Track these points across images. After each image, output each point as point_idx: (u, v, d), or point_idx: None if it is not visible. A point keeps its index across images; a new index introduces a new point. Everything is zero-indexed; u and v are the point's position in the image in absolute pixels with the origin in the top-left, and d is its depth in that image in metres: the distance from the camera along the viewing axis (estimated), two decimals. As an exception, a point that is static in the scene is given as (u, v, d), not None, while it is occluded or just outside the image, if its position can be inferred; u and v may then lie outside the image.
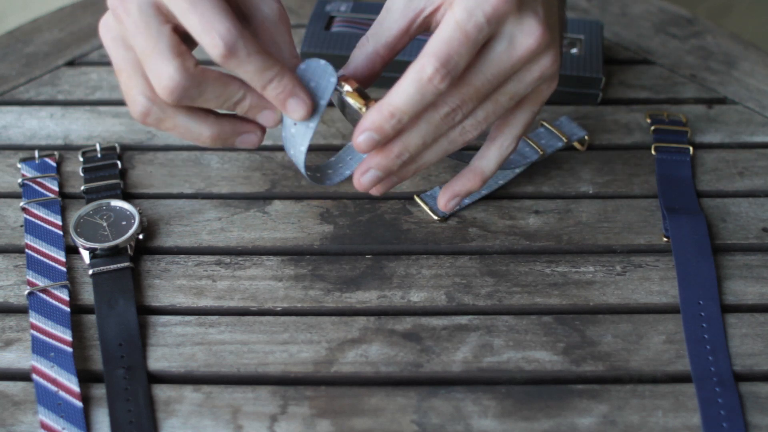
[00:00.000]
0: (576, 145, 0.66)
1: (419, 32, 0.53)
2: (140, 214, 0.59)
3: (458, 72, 0.48)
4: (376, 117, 0.49)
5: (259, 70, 0.49)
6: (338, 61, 0.71)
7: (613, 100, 0.72)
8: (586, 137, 0.66)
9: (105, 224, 0.59)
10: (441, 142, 0.53)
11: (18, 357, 0.53)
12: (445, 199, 0.58)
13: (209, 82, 0.50)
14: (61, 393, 0.51)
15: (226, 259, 0.59)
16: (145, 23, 0.48)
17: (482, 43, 0.49)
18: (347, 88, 0.52)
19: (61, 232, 0.60)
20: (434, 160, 0.53)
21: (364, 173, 0.53)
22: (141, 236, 0.59)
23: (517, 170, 0.64)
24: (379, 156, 0.52)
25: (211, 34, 0.48)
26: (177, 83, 0.49)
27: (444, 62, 0.48)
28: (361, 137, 0.50)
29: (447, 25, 0.48)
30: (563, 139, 0.65)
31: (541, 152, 0.63)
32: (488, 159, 0.55)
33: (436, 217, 0.61)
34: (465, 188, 0.57)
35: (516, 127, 0.54)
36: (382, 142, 0.51)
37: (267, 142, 0.67)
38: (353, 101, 0.52)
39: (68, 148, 0.67)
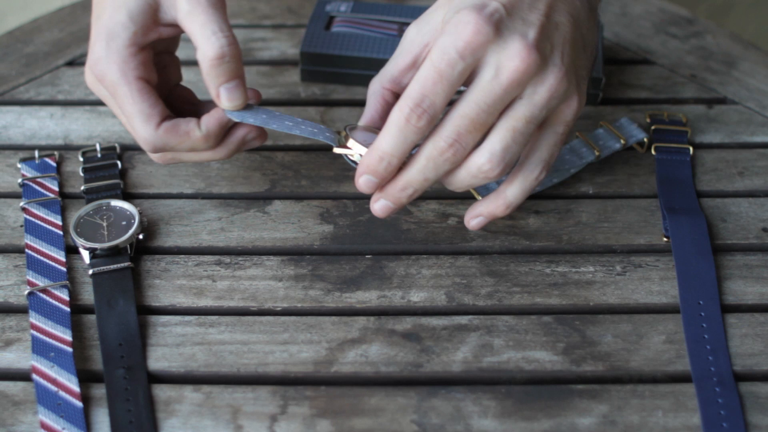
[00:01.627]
0: (635, 146, 0.66)
1: None
2: (140, 214, 0.59)
3: (436, 109, 0.50)
4: (368, 161, 0.52)
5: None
6: (338, 61, 0.71)
7: (613, 100, 0.72)
8: (645, 139, 0.65)
9: (105, 224, 0.59)
10: (459, 174, 0.52)
11: (18, 357, 0.53)
12: (469, 216, 0.57)
13: (172, 138, 0.55)
14: (61, 393, 0.51)
15: (226, 259, 0.59)
16: (117, 88, 0.54)
17: (463, 77, 0.50)
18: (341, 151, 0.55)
19: (61, 232, 0.60)
20: (459, 189, 0.54)
21: (376, 201, 0.54)
22: (141, 236, 0.59)
23: (573, 170, 0.64)
24: (388, 188, 0.53)
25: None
26: (151, 143, 0.55)
27: (418, 102, 0.49)
28: (360, 180, 0.53)
29: (423, 65, 0.50)
30: (621, 140, 0.64)
31: (597, 153, 0.63)
32: (514, 185, 0.54)
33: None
34: (488, 210, 0.56)
35: (542, 152, 0.53)
36: (382, 183, 0.53)
37: (267, 142, 0.67)
38: (344, 151, 0.55)
39: (68, 148, 0.67)
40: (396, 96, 0.55)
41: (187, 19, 0.53)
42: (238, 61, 0.54)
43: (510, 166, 0.52)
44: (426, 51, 0.53)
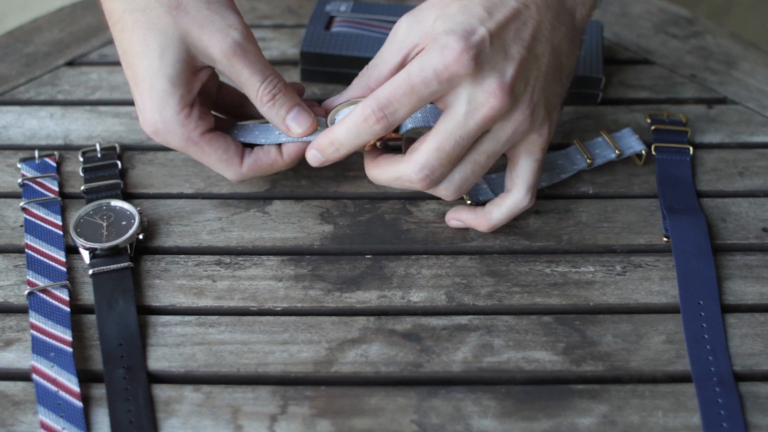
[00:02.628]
0: (634, 158, 0.66)
1: None
2: (140, 214, 0.59)
3: (396, 118, 0.52)
4: (321, 140, 0.55)
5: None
6: (338, 61, 0.71)
7: (613, 100, 0.72)
8: (643, 151, 0.65)
9: (105, 224, 0.59)
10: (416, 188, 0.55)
11: (18, 357, 0.53)
12: (451, 216, 0.60)
13: (258, 172, 0.59)
14: (61, 393, 0.51)
15: (226, 259, 0.59)
16: (188, 150, 0.57)
17: (433, 98, 0.51)
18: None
19: (61, 232, 0.60)
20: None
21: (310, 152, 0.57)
22: (141, 236, 0.59)
23: (563, 176, 0.64)
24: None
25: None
26: (240, 180, 0.59)
27: (382, 106, 0.51)
28: (309, 153, 0.56)
29: (399, 74, 0.51)
30: (616, 151, 0.64)
31: (589, 161, 0.63)
32: (500, 208, 0.58)
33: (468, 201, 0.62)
34: (470, 222, 0.60)
35: (526, 178, 0.56)
36: (327, 163, 0.56)
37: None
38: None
39: (68, 148, 0.67)
40: None
41: (231, 72, 0.55)
42: (289, 91, 0.56)
43: (463, 194, 0.56)
44: (415, 53, 0.54)
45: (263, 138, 0.58)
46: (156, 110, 0.54)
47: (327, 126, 0.56)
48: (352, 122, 0.53)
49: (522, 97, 0.52)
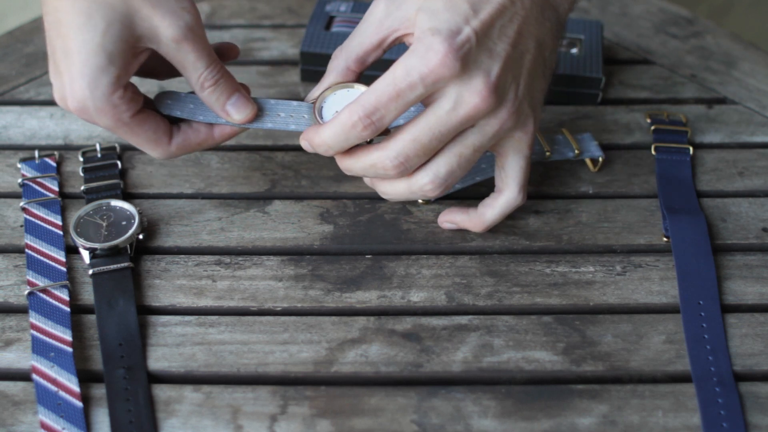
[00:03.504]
0: (587, 162, 0.66)
1: (391, 47, 0.55)
2: (140, 214, 0.59)
3: (383, 123, 0.52)
4: (312, 136, 0.54)
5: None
6: (338, 61, 0.71)
7: (613, 100, 0.72)
8: (600, 159, 0.65)
9: (105, 224, 0.59)
10: (398, 186, 0.55)
11: (18, 357, 0.53)
12: (444, 218, 0.61)
13: (188, 149, 0.57)
14: (61, 393, 0.51)
15: (226, 259, 0.59)
16: (116, 131, 0.54)
17: (419, 100, 0.51)
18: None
19: (61, 232, 0.60)
20: (392, 200, 0.57)
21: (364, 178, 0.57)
22: (141, 236, 0.59)
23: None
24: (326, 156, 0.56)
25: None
26: (168, 158, 0.57)
27: (369, 113, 0.51)
28: (302, 142, 0.55)
29: (384, 78, 0.51)
30: (575, 150, 0.64)
31: (548, 153, 0.63)
32: (493, 209, 0.57)
33: (421, 201, 0.62)
34: (464, 224, 0.59)
35: (516, 177, 0.56)
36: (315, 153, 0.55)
37: (267, 141, 0.67)
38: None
39: (68, 148, 0.67)
40: (357, 74, 0.55)
41: (176, 55, 0.53)
42: (230, 78, 0.55)
43: (449, 188, 0.55)
44: (393, 37, 0.53)
45: (201, 115, 0.56)
46: (87, 87, 0.52)
47: (314, 113, 0.56)
48: (339, 128, 0.52)
49: (507, 95, 0.52)
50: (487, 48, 0.51)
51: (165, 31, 0.52)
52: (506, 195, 0.57)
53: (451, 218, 0.60)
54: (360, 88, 0.55)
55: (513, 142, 0.54)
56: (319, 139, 0.53)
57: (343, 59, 0.55)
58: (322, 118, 0.55)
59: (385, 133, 0.54)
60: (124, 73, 0.52)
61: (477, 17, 0.50)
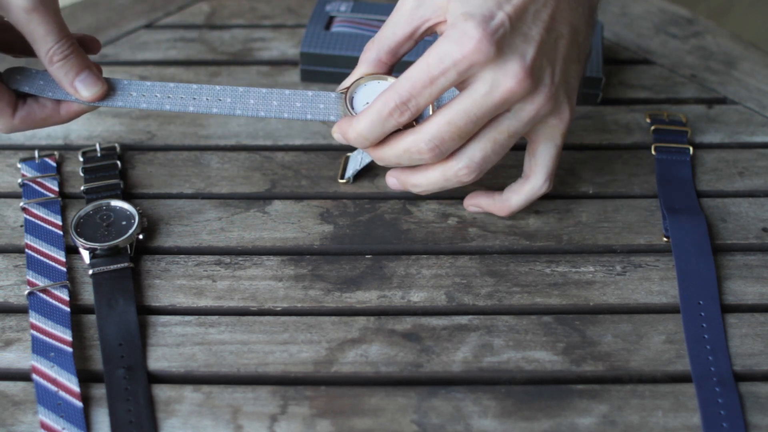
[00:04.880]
0: None
1: (423, 38, 0.54)
2: (140, 214, 0.59)
3: (419, 109, 0.51)
4: (345, 128, 0.54)
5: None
6: (338, 61, 0.71)
7: (613, 100, 0.72)
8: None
9: (105, 224, 0.59)
10: (432, 174, 0.55)
11: (18, 357, 0.53)
12: (469, 202, 0.61)
13: (31, 125, 0.56)
14: (61, 393, 0.51)
15: (226, 259, 0.59)
16: None
17: (453, 85, 0.51)
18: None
19: (61, 232, 0.60)
20: (426, 188, 0.56)
21: (390, 177, 0.57)
22: (141, 236, 0.59)
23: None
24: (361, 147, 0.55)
25: None
26: (10, 132, 0.56)
27: (405, 100, 0.51)
28: (335, 135, 0.55)
29: (418, 64, 0.50)
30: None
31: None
32: (519, 195, 0.58)
33: (342, 180, 0.63)
34: (489, 209, 0.60)
35: (545, 165, 0.56)
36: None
37: (267, 141, 0.67)
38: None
39: (68, 148, 0.67)
40: (390, 66, 0.55)
41: (26, 25, 0.52)
42: (81, 54, 0.55)
43: (483, 173, 0.54)
44: (425, 27, 0.53)
45: (50, 92, 0.56)
46: None
47: (345, 103, 0.55)
48: (376, 117, 0.52)
49: (543, 79, 0.51)
50: (521, 32, 0.50)
51: (16, 0, 0.52)
52: (533, 182, 0.57)
53: (477, 202, 0.60)
54: (392, 80, 0.54)
55: (547, 129, 0.54)
56: (354, 132, 0.53)
57: (375, 51, 0.55)
58: (353, 108, 0.55)
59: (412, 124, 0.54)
60: None
61: (510, 2, 0.50)
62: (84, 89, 0.55)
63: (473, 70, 0.50)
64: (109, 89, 0.56)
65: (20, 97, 0.56)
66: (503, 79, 0.50)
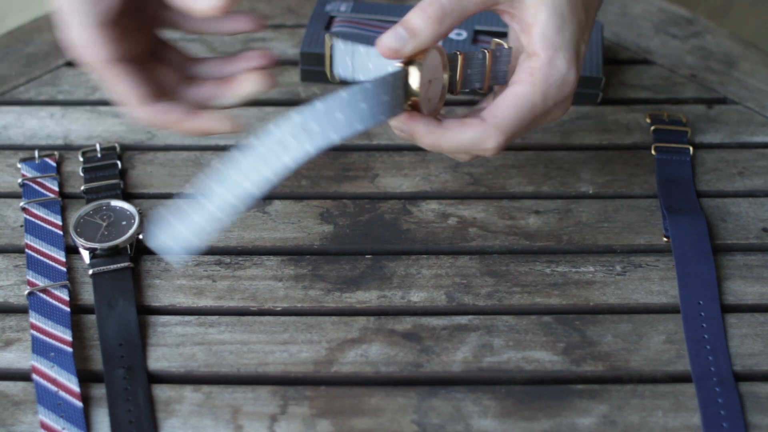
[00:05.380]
0: None
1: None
2: (140, 214, 0.59)
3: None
4: (426, 138, 0.51)
5: None
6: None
7: (613, 100, 0.72)
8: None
9: (105, 224, 0.59)
10: (462, 140, 0.52)
11: (18, 357, 0.53)
12: (399, 126, 0.52)
13: (161, 121, 0.53)
14: (61, 393, 0.51)
15: (226, 259, 0.59)
16: (98, 73, 0.52)
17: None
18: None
19: (61, 232, 0.60)
20: (441, 151, 0.54)
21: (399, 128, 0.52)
22: (141, 236, 0.59)
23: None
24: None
25: None
26: (142, 122, 0.54)
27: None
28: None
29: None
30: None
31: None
32: (460, 135, 0.52)
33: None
34: (415, 136, 0.52)
35: (509, 119, 0.53)
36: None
37: (267, 142, 0.67)
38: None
39: (68, 148, 0.67)
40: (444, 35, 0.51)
41: None
42: None
43: None
44: (494, 7, 0.52)
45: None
46: (68, 25, 0.52)
47: (408, 81, 0.49)
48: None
49: (576, 74, 0.53)
50: (583, 50, 0.53)
51: None
52: (483, 129, 0.51)
53: (411, 128, 0.52)
54: (444, 76, 0.51)
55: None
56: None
57: (448, 22, 0.50)
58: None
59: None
60: (105, 9, 0.51)
61: (587, 28, 0.52)
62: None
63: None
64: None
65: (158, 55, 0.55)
66: (567, 106, 0.53)
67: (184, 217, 0.47)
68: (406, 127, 0.51)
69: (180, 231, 0.47)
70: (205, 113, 0.54)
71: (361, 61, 0.51)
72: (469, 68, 0.53)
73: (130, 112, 0.54)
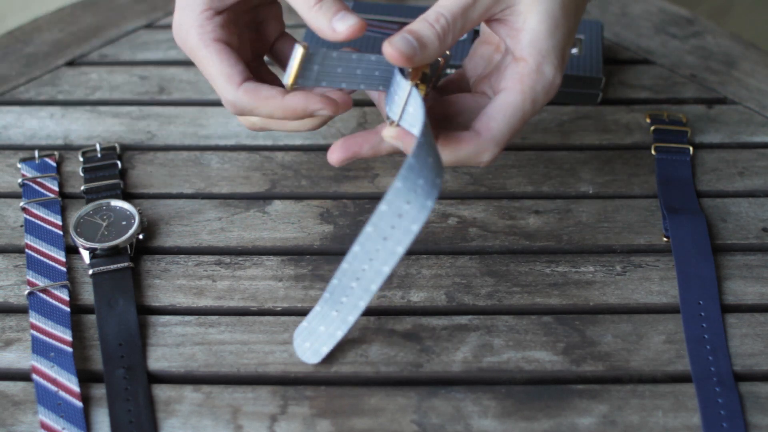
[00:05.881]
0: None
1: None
2: (140, 214, 0.59)
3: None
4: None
5: None
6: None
7: (613, 100, 0.72)
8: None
9: (105, 224, 0.59)
10: (459, 156, 0.53)
11: (18, 357, 0.53)
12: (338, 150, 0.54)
13: (252, 100, 0.53)
14: (61, 393, 0.51)
15: (226, 259, 0.59)
16: (197, 52, 0.54)
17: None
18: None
19: (61, 232, 0.60)
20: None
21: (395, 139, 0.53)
22: (141, 236, 0.59)
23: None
24: None
25: None
26: (232, 104, 0.54)
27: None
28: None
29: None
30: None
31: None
32: (454, 153, 0.52)
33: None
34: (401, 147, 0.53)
35: (503, 126, 0.53)
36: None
37: (267, 141, 0.67)
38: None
39: (68, 148, 0.67)
40: None
41: None
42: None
43: None
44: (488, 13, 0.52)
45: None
46: (182, 5, 0.54)
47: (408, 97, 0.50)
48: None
49: (560, 77, 0.53)
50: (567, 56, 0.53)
51: None
52: (476, 141, 0.52)
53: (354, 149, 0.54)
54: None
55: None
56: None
57: (448, 39, 0.51)
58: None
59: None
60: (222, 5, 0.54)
61: (575, 29, 0.52)
62: (341, 23, 0.51)
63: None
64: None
65: (256, 75, 0.56)
66: (551, 90, 0.52)
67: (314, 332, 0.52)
68: (402, 144, 0.52)
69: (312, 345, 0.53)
70: (302, 91, 0.53)
71: (331, 66, 0.52)
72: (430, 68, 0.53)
73: (222, 92, 0.54)
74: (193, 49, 0.55)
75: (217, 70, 0.54)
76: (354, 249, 0.48)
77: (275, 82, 0.58)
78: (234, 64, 0.54)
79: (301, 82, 0.52)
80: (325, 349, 0.52)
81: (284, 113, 0.53)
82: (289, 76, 0.51)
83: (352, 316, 0.51)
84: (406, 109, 0.50)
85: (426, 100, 0.53)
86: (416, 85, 0.50)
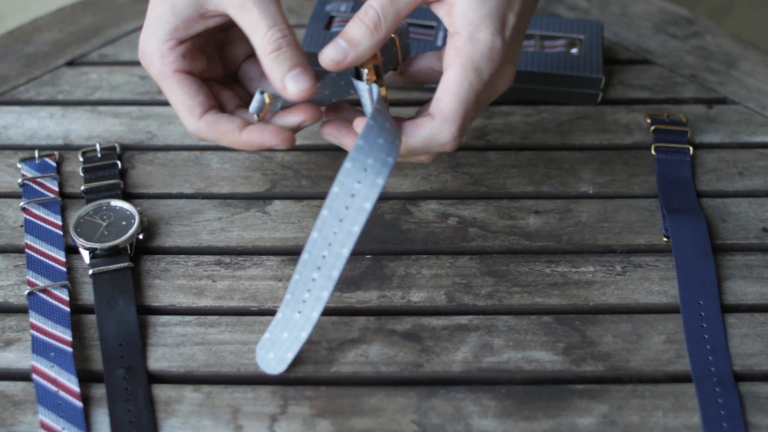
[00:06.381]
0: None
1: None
2: (140, 214, 0.59)
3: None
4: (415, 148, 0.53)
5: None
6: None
7: (613, 100, 0.72)
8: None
9: (105, 224, 0.59)
10: (420, 138, 0.53)
11: (18, 357, 0.53)
12: (327, 131, 0.56)
13: (212, 133, 0.55)
14: (61, 393, 0.51)
15: (226, 259, 0.59)
16: (159, 81, 0.55)
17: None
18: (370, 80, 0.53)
19: (61, 232, 0.60)
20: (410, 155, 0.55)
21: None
22: (141, 236, 0.59)
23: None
24: None
25: None
26: (194, 134, 0.55)
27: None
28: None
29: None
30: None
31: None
32: (414, 138, 0.53)
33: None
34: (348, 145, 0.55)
35: (457, 105, 0.54)
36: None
37: (267, 142, 0.67)
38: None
39: (68, 148, 0.67)
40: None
41: (239, 14, 0.52)
42: (296, 49, 0.52)
43: None
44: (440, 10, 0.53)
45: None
46: (147, 32, 0.54)
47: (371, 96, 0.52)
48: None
49: (516, 62, 0.54)
50: (523, 29, 0.53)
51: None
52: (436, 125, 0.52)
53: (339, 136, 0.55)
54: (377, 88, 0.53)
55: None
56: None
57: (384, 29, 0.52)
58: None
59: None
60: (184, 27, 0.54)
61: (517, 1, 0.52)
62: (293, 84, 0.51)
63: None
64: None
65: (228, 92, 0.57)
66: (510, 74, 0.52)
67: (277, 340, 0.52)
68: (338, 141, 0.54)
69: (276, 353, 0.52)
70: (258, 126, 0.54)
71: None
72: (384, 55, 0.54)
73: (184, 122, 0.55)
74: (155, 77, 0.55)
75: (179, 101, 0.55)
76: (312, 236, 0.49)
77: (245, 97, 0.59)
78: (194, 95, 0.55)
79: (272, 110, 0.54)
80: (290, 355, 0.52)
81: (242, 147, 0.55)
82: (255, 118, 0.54)
83: (315, 312, 0.50)
84: (374, 105, 0.52)
85: (384, 84, 0.53)
86: (375, 82, 0.52)
